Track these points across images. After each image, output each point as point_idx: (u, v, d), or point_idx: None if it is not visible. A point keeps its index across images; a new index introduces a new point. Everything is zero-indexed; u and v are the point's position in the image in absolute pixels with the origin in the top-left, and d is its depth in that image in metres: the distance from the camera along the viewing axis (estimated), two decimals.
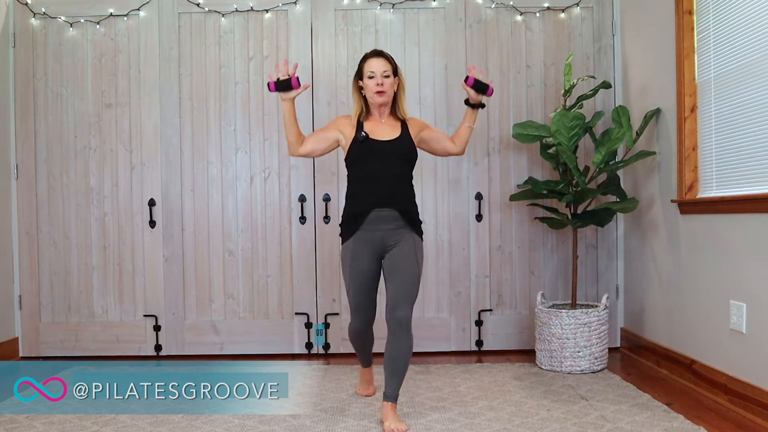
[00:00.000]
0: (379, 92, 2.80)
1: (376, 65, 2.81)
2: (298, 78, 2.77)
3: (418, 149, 2.93)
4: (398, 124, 2.89)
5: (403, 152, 2.83)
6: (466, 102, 2.91)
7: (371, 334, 3.03)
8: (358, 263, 2.81)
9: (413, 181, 2.92)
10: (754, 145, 2.83)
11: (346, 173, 2.91)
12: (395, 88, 2.87)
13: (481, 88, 2.86)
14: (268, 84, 2.78)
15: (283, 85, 2.76)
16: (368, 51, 2.91)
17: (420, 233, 2.87)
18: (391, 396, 2.71)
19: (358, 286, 2.83)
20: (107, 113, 4.07)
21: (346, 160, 2.87)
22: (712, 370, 3.08)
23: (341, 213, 2.95)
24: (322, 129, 2.97)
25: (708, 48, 3.17)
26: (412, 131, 2.90)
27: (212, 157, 4.07)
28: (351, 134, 2.84)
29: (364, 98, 2.88)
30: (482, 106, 2.92)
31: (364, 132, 2.81)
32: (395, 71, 2.86)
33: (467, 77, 2.86)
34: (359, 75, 2.87)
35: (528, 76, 4.07)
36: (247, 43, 4.07)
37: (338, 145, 2.91)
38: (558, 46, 4.06)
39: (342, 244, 2.89)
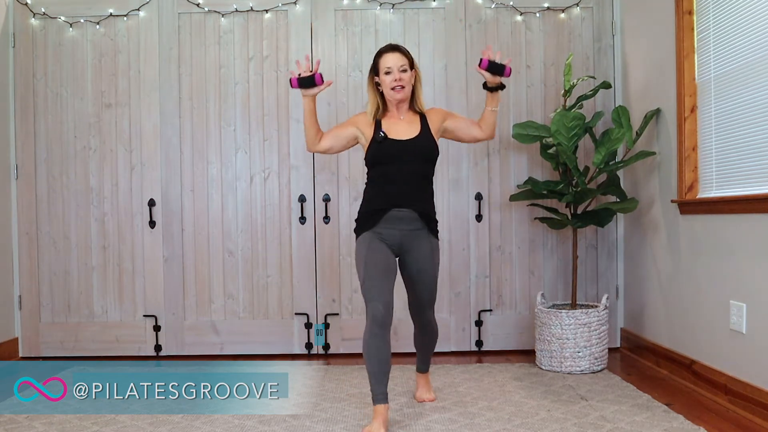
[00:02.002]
0: (397, 88, 2.71)
1: (392, 60, 2.72)
2: (321, 75, 2.71)
3: (443, 138, 2.87)
4: (417, 120, 2.80)
5: (422, 151, 2.75)
6: (485, 86, 2.79)
7: (387, 344, 2.63)
8: (373, 250, 2.70)
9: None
10: (754, 145, 2.83)
11: (366, 171, 2.85)
12: (413, 83, 2.78)
13: (497, 69, 2.72)
14: (291, 80, 2.71)
15: (307, 82, 2.69)
16: (383, 46, 2.81)
17: (436, 234, 2.84)
18: (423, 368, 3.06)
19: (374, 271, 2.66)
20: (107, 113, 4.07)
21: (365, 159, 2.79)
22: (712, 370, 3.08)
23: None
24: (340, 125, 2.90)
25: (708, 48, 3.17)
26: (433, 125, 2.80)
27: (212, 157, 4.07)
28: (370, 134, 2.76)
29: (381, 94, 2.79)
30: (502, 87, 2.79)
31: (383, 132, 2.73)
32: (412, 64, 2.77)
33: (481, 60, 2.74)
34: (375, 71, 2.78)
35: (528, 76, 4.07)
36: (247, 44, 4.07)
37: (356, 143, 2.85)
38: (558, 46, 4.06)
39: (357, 238, 2.79)
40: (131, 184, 4.08)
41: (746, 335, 2.85)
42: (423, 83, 4.00)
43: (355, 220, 2.84)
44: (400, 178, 2.72)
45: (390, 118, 2.80)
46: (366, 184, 2.84)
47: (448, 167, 4.06)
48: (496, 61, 2.73)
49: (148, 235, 4.07)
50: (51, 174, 4.08)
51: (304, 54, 3.99)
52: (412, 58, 2.79)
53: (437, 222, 2.86)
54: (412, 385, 3.32)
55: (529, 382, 3.37)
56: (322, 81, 2.71)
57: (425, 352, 3.05)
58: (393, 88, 2.72)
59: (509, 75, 2.75)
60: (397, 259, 2.79)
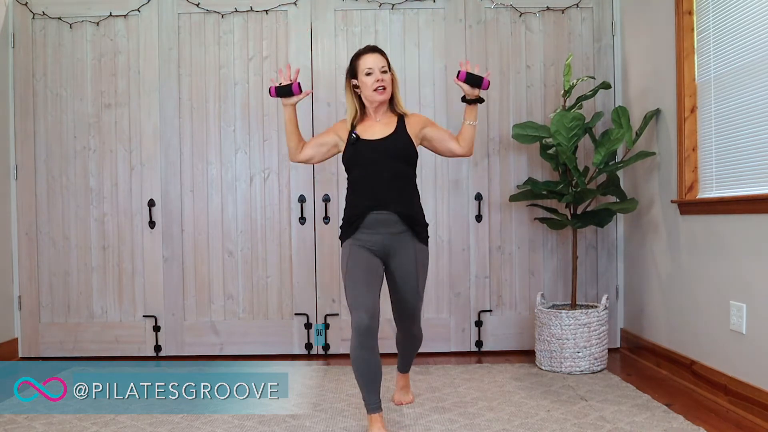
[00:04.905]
0: (379, 89, 2.67)
1: (373, 61, 2.68)
2: (299, 84, 2.72)
3: (422, 147, 2.81)
4: (394, 121, 2.74)
5: (397, 149, 2.68)
6: (463, 99, 2.75)
7: (375, 353, 2.56)
8: (355, 256, 2.64)
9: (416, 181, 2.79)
10: (754, 145, 2.83)
11: (346, 177, 2.82)
12: (391, 85, 2.73)
13: (474, 81, 2.68)
14: (270, 89, 2.73)
15: (284, 91, 2.72)
16: (360, 48, 2.78)
17: (424, 239, 2.72)
18: (403, 368, 3.02)
19: (355, 276, 2.59)
20: (107, 114, 4.07)
21: (343, 163, 2.77)
22: (712, 370, 3.07)
23: (341, 213, 2.89)
24: (320, 134, 2.89)
25: (708, 48, 3.17)
26: (412, 128, 2.74)
27: (212, 157, 4.07)
28: (346, 137, 2.75)
29: (359, 98, 2.75)
30: (480, 101, 2.73)
31: (355, 133, 2.70)
32: (389, 66, 2.73)
33: (459, 72, 2.70)
34: (352, 73, 2.73)
35: (528, 77, 4.07)
36: (247, 44, 4.06)
37: (338, 151, 2.81)
38: (558, 47, 4.06)
39: (341, 245, 2.76)
40: (131, 185, 4.08)
41: (746, 335, 2.84)
42: (423, 84, 4.05)
43: (340, 227, 2.79)
44: (376, 180, 2.65)
45: (366, 121, 2.76)
46: (347, 188, 2.79)
47: (448, 167, 4.06)
48: (475, 73, 2.70)
49: (147, 236, 4.07)
50: (51, 174, 4.08)
51: (303, 54, 4.02)
52: (389, 61, 2.75)
53: (426, 226, 2.76)
54: (412, 386, 3.31)
55: (529, 383, 3.36)
56: (300, 90, 2.73)
57: (407, 356, 3.00)
58: (375, 89, 2.67)
59: (487, 87, 2.72)
60: (384, 264, 2.70)
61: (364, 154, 2.68)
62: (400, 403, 3.02)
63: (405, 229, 2.67)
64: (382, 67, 2.69)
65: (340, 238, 2.77)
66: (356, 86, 2.74)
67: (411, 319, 2.81)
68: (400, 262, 2.68)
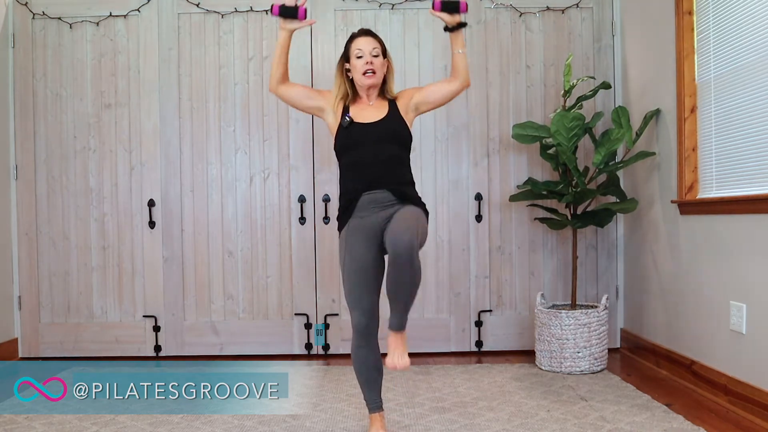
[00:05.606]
0: (367, 72, 2.59)
1: (364, 44, 2.60)
2: (306, 10, 2.56)
3: (425, 113, 2.74)
4: (386, 104, 2.66)
5: (390, 132, 2.60)
6: (445, 29, 2.65)
7: (375, 352, 2.58)
8: (351, 252, 2.55)
9: (412, 166, 2.68)
10: (754, 145, 2.83)
11: (338, 164, 2.72)
12: (385, 70, 2.65)
13: (451, 8, 2.56)
14: (272, 6, 2.55)
15: (288, 12, 2.55)
16: (354, 31, 2.72)
17: (421, 205, 2.59)
18: (396, 324, 2.42)
19: (354, 277, 2.53)
20: (107, 114, 4.07)
21: (335, 148, 2.65)
22: (712, 370, 3.07)
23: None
24: (315, 90, 2.78)
25: (708, 48, 3.17)
26: (403, 106, 2.66)
27: (212, 157, 4.07)
28: (338, 120, 2.64)
29: (351, 81, 2.68)
30: (463, 25, 2.60)
31: (348, 116, 2.61)
32: (384, 52, 2.64)
33: (433, 3, 2.59)
34: (345, 56, 2.67)
35: (528, 77, 4.07)
36: (247, 44, 4.06)
37: (317, 113, 2.72)
38: (558, 47, 4.06)
39: (339, 235, 2.65)
40: (131, 185, 4.08)
41: (746, 335, 2.84)
42: (423, 84, 4.01)
43: (336, 218, 2.69)
44: (369, 163, 2.56)
45: (358, 104, 2.69)
46: (339, 176, 2.70)
47: (448, 167, 4.06)
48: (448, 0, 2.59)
49: (147, 236, 4.07)
50: (51, 174, 4.08)
51: (303, 55, 4.02)
52: (385, 46, 2.68)
53: (423, 203, 2.62)
54: (411, 386, 3.32)
55: (529, 383, 3.36)
56: (305, 17, 2.57)
57: (397, 297, 2.39)
58: (364, 73, 2.60)
59: (466, 10, 2.59)
60: (382, 245, 2.55)
61: (357, 137, 2.60)
62: (394, 367, 2.44)
63: (398, 202, 2.55)
64: (374, 49, 2.62)
65: (338, 228, 2.66)
66: (348, 69, 2.68)
67: (405, 234, 2.34)
68: (396, 213, 2.51)
